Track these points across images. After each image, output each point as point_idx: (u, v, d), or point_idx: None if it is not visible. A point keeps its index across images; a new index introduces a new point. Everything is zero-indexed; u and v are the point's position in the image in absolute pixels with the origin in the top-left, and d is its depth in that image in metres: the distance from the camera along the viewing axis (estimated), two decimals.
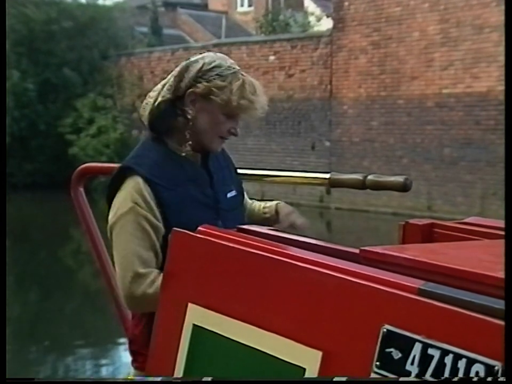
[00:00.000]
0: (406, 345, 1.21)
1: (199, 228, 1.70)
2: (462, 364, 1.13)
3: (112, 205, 2.09)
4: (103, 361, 6.69)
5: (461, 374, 1.13)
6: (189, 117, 2.06)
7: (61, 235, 13.24)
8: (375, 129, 15.22)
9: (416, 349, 1.19)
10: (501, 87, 12.75)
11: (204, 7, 29.07)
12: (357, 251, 1.51)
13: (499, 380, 1.09)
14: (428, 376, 1.17)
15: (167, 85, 2.12)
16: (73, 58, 20.25)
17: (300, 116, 16.45)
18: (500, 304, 1.14)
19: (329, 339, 1.35)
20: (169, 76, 2.15)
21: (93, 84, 20.51)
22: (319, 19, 22.32)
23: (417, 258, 1.40)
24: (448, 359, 1.15)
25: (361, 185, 2.28)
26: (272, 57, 17.21)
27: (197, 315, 1.60)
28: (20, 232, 13.03)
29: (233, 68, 2.09)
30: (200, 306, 1.60)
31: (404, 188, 2.26)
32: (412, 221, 2.09)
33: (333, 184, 2.35)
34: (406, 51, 14.60)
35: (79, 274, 10.78)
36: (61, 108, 20.26)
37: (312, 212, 13.66)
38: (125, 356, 5.95)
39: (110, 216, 2.09)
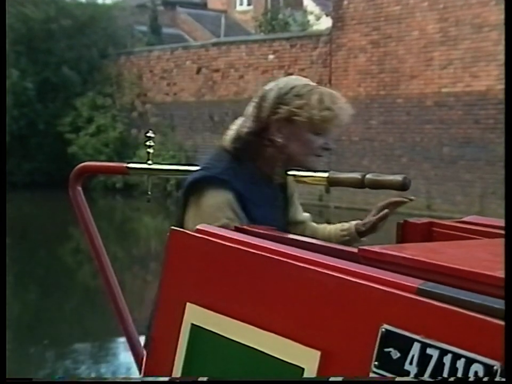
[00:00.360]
0: (404, 345, 1.21)
1: (197, 227, 1.69)
2: (460, 364, 1.13)
3: (193, 214, 2.04)
4: (103, 360, 6.69)
5: (459, 374, 1.13)
6: (279, 145, 2.06)
7: (60, 234, 13.23)
8: (374, 128, 15.22)
9: (415, 349, 1.19)
10: (500, 86, 12.73)
11: (203, 6, 29.06)
12: (355, 250, 1.50)
13: (499, 380, 1.08)
14: (426, 376, 1.17)
15: (248, 116, 2.12)
16: (72, 57, 20.23)
17: None
18: (499, 303, 1.13)
19: (327, 339, 1.35)
20: (248, 108, 2.15)
21: (92, 82, 20.50)
22: (318, 18, 22.31)
23: (416, 258, 1.39)
24: (447, 359, 1.15)
25: (360, 184, 2.27)
26: (271, 56, 17.20)
27: (195, 315, 1.60)
28: (19, 231, 13.02)
29: (309, 85, 2.10)
30: (199, 306, 1.60)
31: (402, 186, 2.26)
32: (410, 220, 2.08)
33: (331, 183, 2.34)
34: (405, 50, 14.59)
35: (79, 274, 10.78)
36: (60, 107, 20.25)
37: (311, 211, 13.56)
38: (123, 354, 5.94)
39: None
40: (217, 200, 2.00)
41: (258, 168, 2.09)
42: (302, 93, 2.07)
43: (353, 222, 2.33)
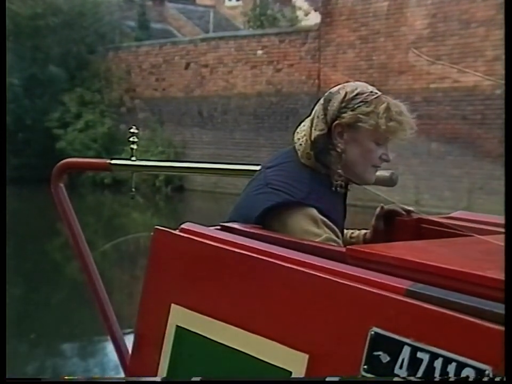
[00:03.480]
0: (394, 348, 1.18)
1: (181, 226, 1.66)
2: (451, 368, 1.10)
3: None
4: (90, 355, 6.65)
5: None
6: (339, 150, 1.99)
7: (48, 230, 13.17)
8: None
9: (405, 353, 1.16)
10: (488, 82, 12.76)
11: (192, 1, 28.96)
12: (343, 250, 1.47)
13: (499, 380, 1.05)
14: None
15: (315, 119, 2.04)
16: (60, 53, 20.12)
17: (288, 110, 16.41)
18: (490, 306, 1.11)
19: (315, 342, 1.32)
20: (313, 112, 2.07)
21: (80, 78, 20.40)
22: (307, 13, 22.29)
23: (405, 258, 1.36)
24: (438, 363, 1.12)
25: None
26: (260, 52, 17.16)
27: (180, 316, 1.57)
28: (7, 227, 12.94)
29: (376, 93, 2.05)
30: (184, 308, 1.56)
31: (390, 182, 2.24)
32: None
33: None
34: (394, 46, 14.58)
35: (67, 269, 10.73)
36: (48, 103, 20.14)
37: None
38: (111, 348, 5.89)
39: None
40: (307, 220, 1.89)
41: (329, 177, 2.01)
42: (369, 100, 2.01)
43: (363, 231, 2.28)
